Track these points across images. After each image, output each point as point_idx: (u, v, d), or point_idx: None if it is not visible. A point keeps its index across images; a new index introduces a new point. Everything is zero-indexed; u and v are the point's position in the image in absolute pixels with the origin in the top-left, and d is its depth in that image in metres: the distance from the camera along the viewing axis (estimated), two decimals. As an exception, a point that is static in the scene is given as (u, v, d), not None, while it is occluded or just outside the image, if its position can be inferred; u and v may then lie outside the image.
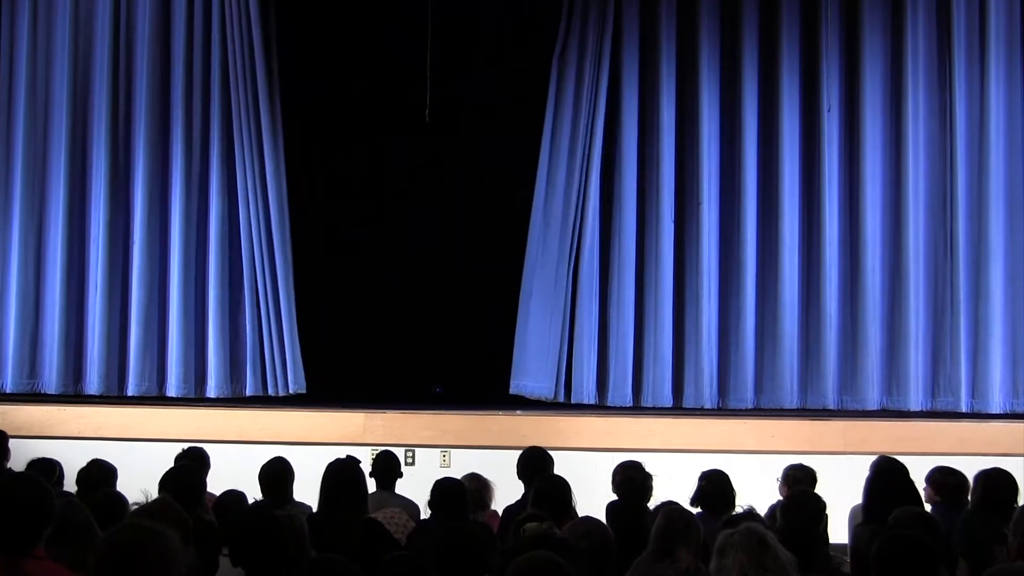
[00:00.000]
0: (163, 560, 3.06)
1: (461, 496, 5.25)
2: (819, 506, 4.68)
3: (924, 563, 3.52)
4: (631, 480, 5.59)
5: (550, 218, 8.66)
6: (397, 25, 9.06)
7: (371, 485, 5.48)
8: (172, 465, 5.86)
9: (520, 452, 6.27)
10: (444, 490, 5.25)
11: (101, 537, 3.30)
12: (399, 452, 6.64)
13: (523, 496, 5.74)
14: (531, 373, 8.56)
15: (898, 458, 5.36)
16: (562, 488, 5.18)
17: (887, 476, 5.06)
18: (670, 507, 4.53)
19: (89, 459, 5.88)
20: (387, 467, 6.10)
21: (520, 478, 6.03)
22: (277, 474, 5.37)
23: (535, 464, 6.03)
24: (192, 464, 5.83)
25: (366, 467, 5.27)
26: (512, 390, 8.54)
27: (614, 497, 5.64)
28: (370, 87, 9.19)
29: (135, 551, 3.04)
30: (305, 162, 9.08)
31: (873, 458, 5.53)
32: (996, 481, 5.07)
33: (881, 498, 4.80)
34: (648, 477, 5.65)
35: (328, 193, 9.32)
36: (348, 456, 5.26)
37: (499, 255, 8.90)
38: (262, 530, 3.62)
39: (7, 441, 6.54)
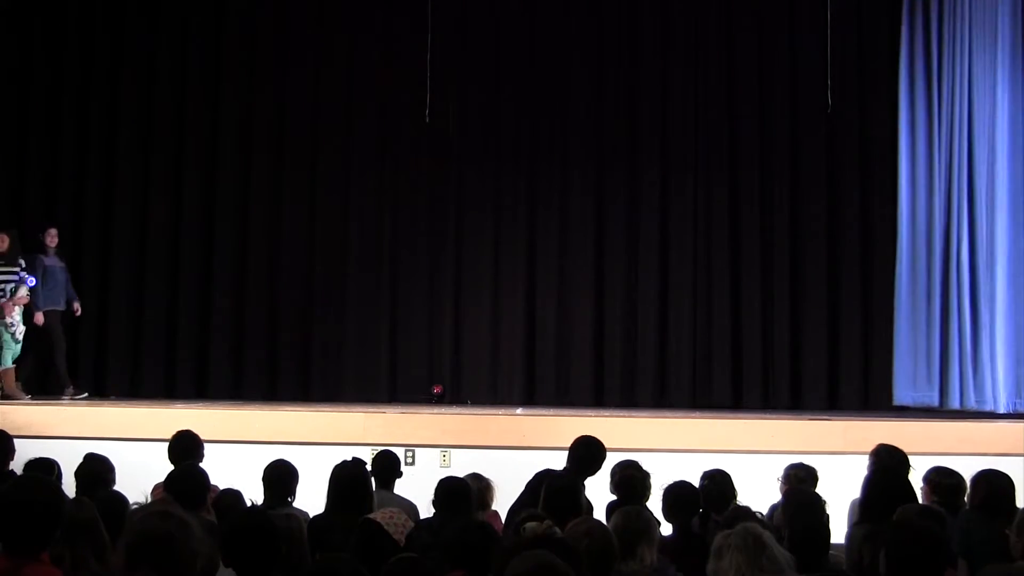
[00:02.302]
0: (191, 552, 3.09)
1: (466, 495, 5.19)
2: (820, 505, 4.68)
3: (936, 558, 3.51)
4: (630, 479, 5.56)
5: (916, 230, 8.77)
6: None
7: (369, 485, 5.47)
8: (167, 453, 5.90)
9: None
10: (450, 489, 5.18)
11: (134, 524, 3.30)
12: (399, 452, 6.63)
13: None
14: (913, 383, 8.71)
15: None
16: (571, 489, 5.07)
17: (885, 476, 5.05)
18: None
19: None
20: (387, 467, 6.08)
21: (568, 462, 5.81)
22: (279, 476, 5.34)
23: (587, 452, 5.81)
24: (197, 464, 5.82)
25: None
26: (895, 401, 8.76)
27: (613, 497, 5.64)
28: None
29: (169, 540, 3.07)
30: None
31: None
32: (997, 484, 5.07)
33: (879, 498, 4.79)
34: (647, 476, 5.61)
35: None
36: (354, 458, 5.28)
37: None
38: (253, 531, 3.57)
39: (10, 441, 6.53)
